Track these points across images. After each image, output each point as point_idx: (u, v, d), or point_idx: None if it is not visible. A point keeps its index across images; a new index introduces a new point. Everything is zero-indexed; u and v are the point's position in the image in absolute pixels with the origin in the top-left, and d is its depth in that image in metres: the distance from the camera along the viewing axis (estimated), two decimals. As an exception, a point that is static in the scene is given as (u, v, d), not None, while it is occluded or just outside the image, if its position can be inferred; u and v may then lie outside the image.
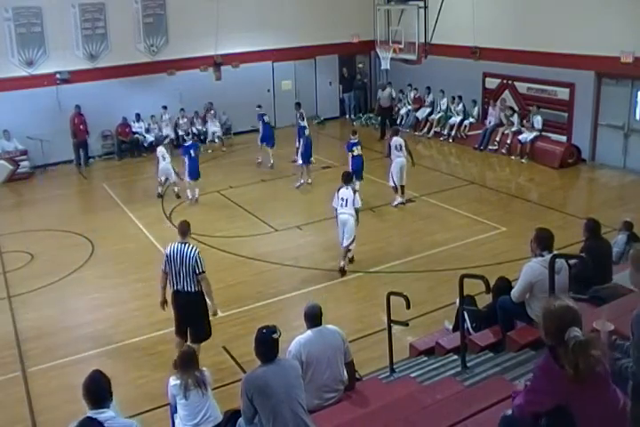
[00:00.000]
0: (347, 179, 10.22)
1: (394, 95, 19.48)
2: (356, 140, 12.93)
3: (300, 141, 14.74)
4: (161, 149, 14.09)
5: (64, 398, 6.97)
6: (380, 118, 19.43)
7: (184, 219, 7.77)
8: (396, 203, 12.96)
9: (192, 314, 7.29)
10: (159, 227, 12.38)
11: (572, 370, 2.92)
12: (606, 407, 3.05)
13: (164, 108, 18.24)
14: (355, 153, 12.79)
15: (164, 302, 7.42)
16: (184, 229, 7.39)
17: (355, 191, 10.24)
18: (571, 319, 3.01)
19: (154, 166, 14.30)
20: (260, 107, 16.45)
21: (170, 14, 18.23)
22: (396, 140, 12.96)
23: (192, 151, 13.92)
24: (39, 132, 16.49)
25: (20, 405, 7.15)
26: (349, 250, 10.25)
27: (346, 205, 9.95)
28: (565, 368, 2.95)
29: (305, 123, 14.94)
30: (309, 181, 14.64)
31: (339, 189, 10.11)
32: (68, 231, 12.53)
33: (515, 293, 5.99)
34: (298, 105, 15.82)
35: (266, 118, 16.13)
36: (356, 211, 10.02)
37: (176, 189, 14.13)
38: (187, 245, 7.23)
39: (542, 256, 5.76)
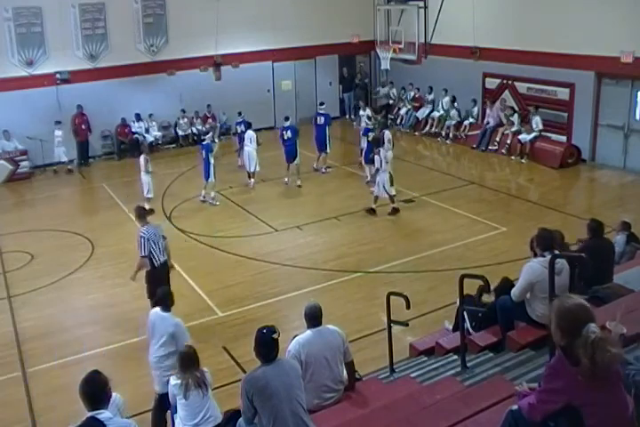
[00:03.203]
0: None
1: (391, 94, 19.48)
2: (372, 127, 14.37)
3: (361, 143, 15.17)
4: (142, 159, 13.60)
5: (64, 398, 6.96)
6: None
7: (138, 204, 9.21)
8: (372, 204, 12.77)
9: (168, 276, 8.69)
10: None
11: (589, 363, 2.87)
12: (616, 411, 3.02)
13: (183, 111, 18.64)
14: (369, 138, 13.84)
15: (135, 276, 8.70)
16: (140, 213, 8.54)
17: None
18: (585, 317, 2.98)
19: (153, 167, 14.20)
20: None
21: (170, 14, 18.24)
22: (387, 135, 13.09)
23: (203, 152, 13.71)
24: (39, 133, 16.48)
25: (20, 405, 7.14)
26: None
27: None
28: (579, 366, 2.91)
29: (368, 122, 15.65)
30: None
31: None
32: (67, 231, 12.53)
33: (515, 292, 5.98)
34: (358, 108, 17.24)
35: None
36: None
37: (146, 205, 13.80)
38: (153, 224, 8.64)
39: (543, 257, 5.75)
